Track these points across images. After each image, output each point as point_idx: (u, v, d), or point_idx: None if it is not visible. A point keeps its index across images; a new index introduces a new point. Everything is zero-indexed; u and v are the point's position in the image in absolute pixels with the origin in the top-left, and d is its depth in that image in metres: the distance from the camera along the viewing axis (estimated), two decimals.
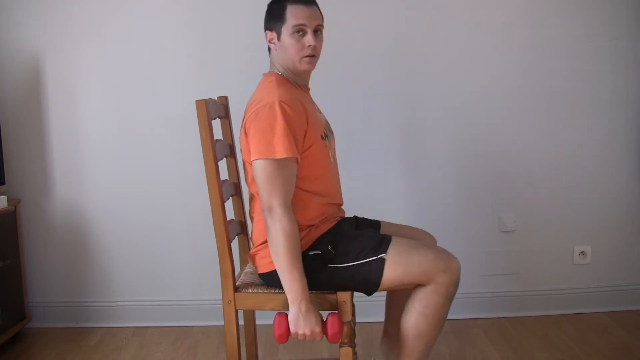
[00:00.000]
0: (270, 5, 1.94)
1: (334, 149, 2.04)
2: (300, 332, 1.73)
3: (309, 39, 1.87)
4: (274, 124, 1.76)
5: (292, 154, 1.76)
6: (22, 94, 2.78)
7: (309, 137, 1.84)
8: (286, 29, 1.87)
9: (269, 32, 1.92)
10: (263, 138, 1.76)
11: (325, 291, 1.86)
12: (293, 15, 1.86)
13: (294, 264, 1.73)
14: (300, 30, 1.86)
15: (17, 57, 2.75)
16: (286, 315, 1.75)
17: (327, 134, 1.97)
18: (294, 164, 1.79)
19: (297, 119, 1.80)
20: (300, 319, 1.73)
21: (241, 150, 1.90)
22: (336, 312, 1.80)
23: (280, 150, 1.75)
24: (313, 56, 1.89)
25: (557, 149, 2.83)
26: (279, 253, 1.74)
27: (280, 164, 1.75)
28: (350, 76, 2.74)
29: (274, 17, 1.90)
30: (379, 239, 1.86)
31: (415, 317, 1.81)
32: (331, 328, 1.74)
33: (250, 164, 1.82)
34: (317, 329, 1.73)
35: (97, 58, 2.75)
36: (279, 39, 1.89)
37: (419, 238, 2.08)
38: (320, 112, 2.05)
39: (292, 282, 1.73)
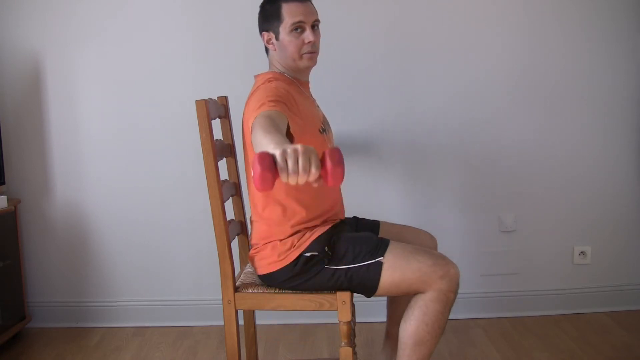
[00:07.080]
0: (263, 6, 1.93)
1: (333, 144, 2.04)
2: (289, 150, 1.17)
3: (308, 35, 1.88)
4: (261, 97, 1.75)
5: (280, 108, 1.69)
6: (22, 94, 2.78)
7: (300, 118, 1.81)
8: (284, 28, 1.87)
9: (265, 34, 1.92)
10: (254, 108, 1.73)
11: (325, 291, 1.86)
12: (289, 13, 1.86)
13: (269, 130, 1.46)
14: (298, 28, 1.87)
15: (17, 57, 2.75)
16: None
17: (325, 128, 1.96)
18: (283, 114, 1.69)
19: (285, 91, 1.79)
20: (286, 144, 1.32)
21: (244, 145, 1.89)
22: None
23: (268, 106, 1.68)
24: (313, 52, 1.90)
25: (557, 149, 2.82)
26: (255, 133, 1.52)
27: (268, 113, 1.64)
28: (349, 75, 2.73)
29: (269, 18, 1.90)
30: (377, 242, 1.85)
31: (415, 324, 1.78)
32: (331, 158, 1.20)
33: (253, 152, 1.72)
34: (311, 148, 1.20)
35: (97, 58, 2.75)
36: (277, 38, 1.89)
37: (420, 238, 2.08)
38: (318, 107, 2.05)
39: (270, 138, 1.40)
